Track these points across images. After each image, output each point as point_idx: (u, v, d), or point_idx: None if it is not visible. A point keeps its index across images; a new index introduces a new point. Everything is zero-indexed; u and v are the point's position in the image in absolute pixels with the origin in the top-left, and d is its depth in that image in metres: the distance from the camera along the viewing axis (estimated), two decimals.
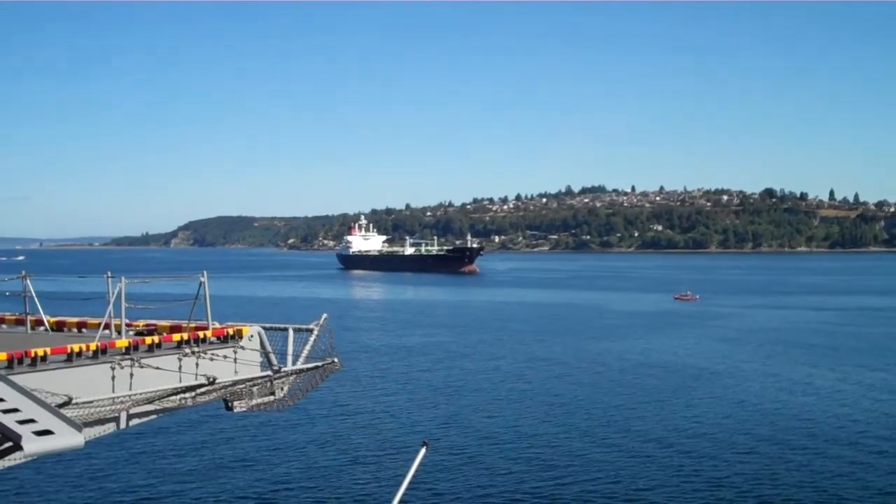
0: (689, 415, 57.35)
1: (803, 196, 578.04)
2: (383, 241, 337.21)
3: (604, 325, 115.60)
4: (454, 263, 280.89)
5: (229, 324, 23.29)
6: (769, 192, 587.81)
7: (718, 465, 44.67)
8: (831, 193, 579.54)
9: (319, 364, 22.51)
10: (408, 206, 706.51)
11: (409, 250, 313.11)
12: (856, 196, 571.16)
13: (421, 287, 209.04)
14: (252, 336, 22.70)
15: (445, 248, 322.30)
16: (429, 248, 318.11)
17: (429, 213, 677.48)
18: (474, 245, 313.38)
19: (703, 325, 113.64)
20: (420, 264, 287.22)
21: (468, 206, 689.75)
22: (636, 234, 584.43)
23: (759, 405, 60.55)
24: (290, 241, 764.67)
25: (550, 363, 79.86)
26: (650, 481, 41.80)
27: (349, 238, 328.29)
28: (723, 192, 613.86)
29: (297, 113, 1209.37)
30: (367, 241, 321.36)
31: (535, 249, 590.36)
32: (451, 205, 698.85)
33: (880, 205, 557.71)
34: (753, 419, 56.08)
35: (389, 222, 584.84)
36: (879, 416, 56.49)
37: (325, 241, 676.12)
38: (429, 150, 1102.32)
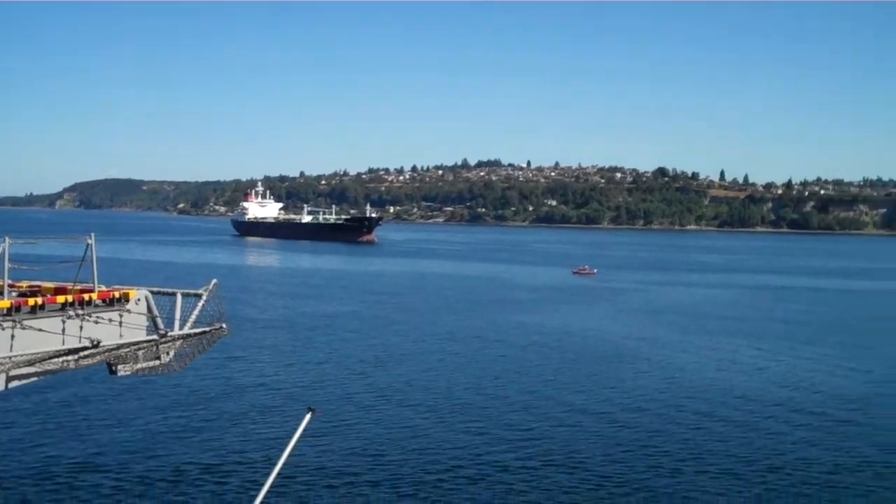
0: (613, 387, 57.52)
1: (695, 176, 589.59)
2: (279, 209, 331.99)
3: (510, 297, 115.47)
4: (352, 233, 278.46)
5: (116, 287, 22.93)
6: (662, 171, 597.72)
7: (650, 436, 44.83)
8: (721, 174, 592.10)
9: (207, 329, 22.19)
10: (302, 173, 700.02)
11: (307, 218, 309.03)
12: (745, 177, 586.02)
13: (319, 256, 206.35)
14: (139, 300, 22.38)
15: (343, 217, 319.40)
16: (326, 216, 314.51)
17: (323, 182, 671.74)
18: (373, 215, 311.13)
19: (609, 300, 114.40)
20: (317, 233, 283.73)
21: (364, 176, 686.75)
22: (531, 209, 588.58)
23: (679, 378, 61.24)
24: (180, 205, 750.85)
25: (459, 335, 79.04)
26: (574, 450, 41.52)
27: (245, 204, 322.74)
28: (616, 169, 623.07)
29: (189, 75, 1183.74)
30: (263, 209, 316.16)
31: (430, 221, 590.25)
32: (346, 174, 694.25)
33: (768, 186, 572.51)
34: (676, 391, 56.72)
35: (283, 190, 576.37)
36: (800, 388, 57.51)
37: (217, 207, 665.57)
38: (323, 118, 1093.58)
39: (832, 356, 72.22)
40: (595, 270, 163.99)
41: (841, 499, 36.36)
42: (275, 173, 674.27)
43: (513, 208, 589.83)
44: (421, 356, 67.60)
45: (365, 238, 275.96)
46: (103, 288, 22.26)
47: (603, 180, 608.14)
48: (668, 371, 63.95)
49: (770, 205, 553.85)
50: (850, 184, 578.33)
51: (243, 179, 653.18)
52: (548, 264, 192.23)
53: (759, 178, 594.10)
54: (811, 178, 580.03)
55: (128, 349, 20.85)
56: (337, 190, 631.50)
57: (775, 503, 35.75)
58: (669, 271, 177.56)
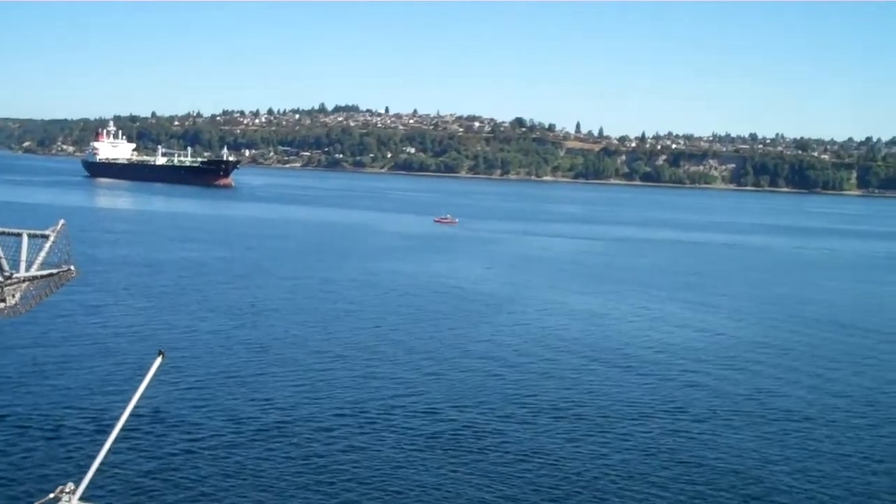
0: (492, 336, 57.74)
1: (551, 127, 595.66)
2: (132, 150, 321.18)
3: (376, 245, 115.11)
4: (208, 176, 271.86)
5: None
6: (519, 122, 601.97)
7: (529, 384, 45.10)
8: (577, 126, 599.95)
9: (54, 272, 21.35)
10: (153, 114, 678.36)
11: (161, 160, 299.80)
12: (600, 130, 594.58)
13: (173, 199, 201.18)
14: None
15: (199, 160, 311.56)
16: (181, 158, 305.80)
17: (176, 123, 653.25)
18: (230, 158, 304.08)
19: (472, 250, 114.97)
20: (172, 175, 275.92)
21: (218, 118, 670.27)
22: (389, 156, 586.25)
23: (556, 326, 61.82)
24: (26, 143, 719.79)
25: (327, 284, 77.99)
26: (459, 400, 41.32)
27: (96, 145, 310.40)
28: (475, 118, 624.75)
29: (31, 16, 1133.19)
30: (115, 149, 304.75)
31: (287, 166, 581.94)
32: (199, 115, 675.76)
33: (623, 140, 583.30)
34: (552, 340, 57.38)
35: (134, 130, 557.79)
36: (671, 334, 58.45)
37: (65, 147, 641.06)
38: (176, 57, 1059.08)
39: (695, 304, 74.32)
40: (457, 220, 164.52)
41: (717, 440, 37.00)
42: (125, 112, 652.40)
43: (371, 155, 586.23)
44: (289, 305, 66.38)
45: (221, 182, 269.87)
46: None
47: (461, 129, 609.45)
48: (543, 319, 64.79)
49: (624, 157, 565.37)
50: (700, 139, 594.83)
51: (91, 118, 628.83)
52: (409, 212, 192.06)
53: (614, 132, 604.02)
54: (663, 132, 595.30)
55: None
56: (190, 132, 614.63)
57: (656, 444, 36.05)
58: (530, 221, 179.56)
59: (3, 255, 20.92)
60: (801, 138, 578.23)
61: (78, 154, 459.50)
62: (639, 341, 58.42)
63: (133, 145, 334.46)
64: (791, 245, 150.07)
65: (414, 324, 60.88)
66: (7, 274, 20.55)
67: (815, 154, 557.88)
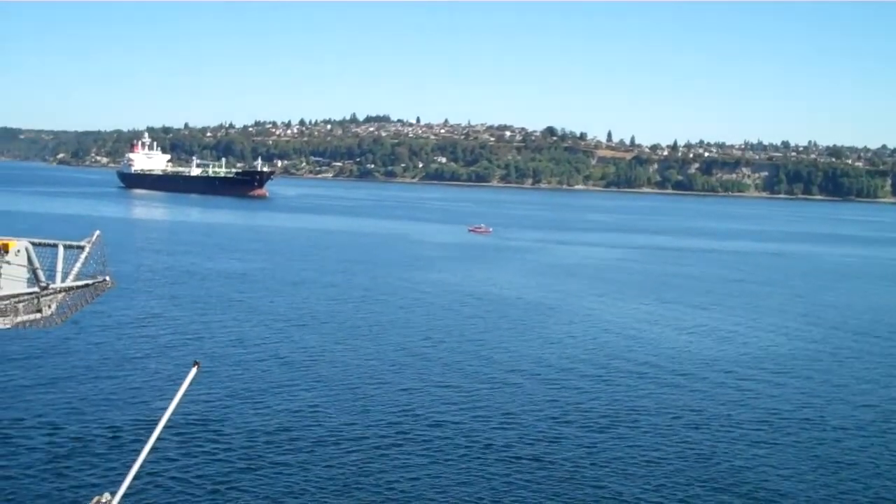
0: (539, 347, 57.66)
1: (583, 136, 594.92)
2: (167, 161, 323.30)
3: (414, 254, 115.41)
4: (243, 187, 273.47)
5: None
6: (550, 131, 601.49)
7: (584, 393, 44.93)
8: (609, 135, 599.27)
9: (90, 282, 21.81)
10: (186, 125, 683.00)
11: (196, 171, 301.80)
12: (632, 139, 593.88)
13: (209, 210, 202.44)
14: (19, 251, 21.27)
15: (234, 170, 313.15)
16: (216, 169, 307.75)
17: (209, 134, 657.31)
18: (264, 169, 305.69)
19: (509, 259, 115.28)
20: (207, 186, 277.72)
21: (250, 129, 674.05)
22: (420, 165, 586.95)
23: (600, 337, 61.85)
24: (60, 155, 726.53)
25: (369, 295, 78.21)
26: (509, 406, 41.15)
27: (131, 156, 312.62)
28: (506, 127, 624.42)
29: (63, 25, 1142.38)
30: (150, 160, 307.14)
31: (319, 176, 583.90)
32: (231, 126, 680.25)
33: (654, 148, 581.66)
34: (599, 349, 57.24)
35: (167, 141, 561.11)
36: (717, 347, 57.90)
37: (98, 158, 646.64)
38: (209, 68, 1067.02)
39: (741, 313, 73.93)
40: (491, 229, 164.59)
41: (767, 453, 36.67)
42: (158, 124, 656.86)
43: (402, 165, 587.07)
44: (333, 315, 66.50)
45: (256, 192, 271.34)
46: None
47: (492, 138, 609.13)
48: (589, 329, 64.68)
49: (656, 166, 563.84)
50: (733, 147, 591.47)
51: (125, 130, 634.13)
52: (443, 222, 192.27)
53: (646, 140, 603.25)
54: (695, 140, 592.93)
55: (7, 301, 20.28)
56: (223, 143, 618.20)
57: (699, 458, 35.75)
58: (565, 230, 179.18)
59: (39, 267, 21.30)
60: (834, 146, 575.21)
61: (112, 165, 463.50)
62: (689, 353, 58.13)
63: (168, 156, 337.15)
64: (832, 253, 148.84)
65: (460, 334, 60.87)
66: (43, 284, 20.95)
67: (849, 161, 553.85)
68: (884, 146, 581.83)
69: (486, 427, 39.24)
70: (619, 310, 75.12)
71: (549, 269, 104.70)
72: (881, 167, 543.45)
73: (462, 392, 45.05)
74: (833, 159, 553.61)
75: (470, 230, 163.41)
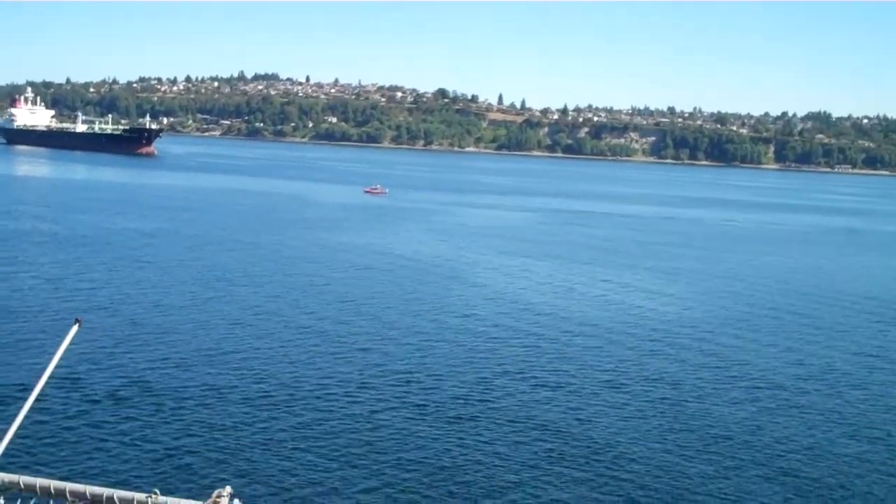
0: (443, 309, 57.57)
1: (474, 98, 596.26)
2: (51, 117, 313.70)
3: (310, 216, 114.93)
4: (131, 144, 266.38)
5: None
6: (442, 93, 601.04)
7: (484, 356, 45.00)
8: (500, 98, 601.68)
9: None
10: (68, 80, 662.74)
11: (82, 128, 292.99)
12: (523, 102, 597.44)
13: (97, 167, 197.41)
14: None
15: (121, 127, 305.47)
16: (103, 126, 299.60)
17: (92, 90, 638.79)
18: (152, 126, 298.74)
19: (412, 220, 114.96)
20: (93, 143, 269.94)
21: (135, 85, 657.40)
22: (310, 125, 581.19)
23: (503, 299, 61.98)
24: None
25: (265, 254, 77.36)
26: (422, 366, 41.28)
27: (13, 111, 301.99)
28: (397, 88, 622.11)
29: None
30: (33, 116, 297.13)
31: (207, 134, 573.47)
32: (115, 82, 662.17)
33: (545, 112, 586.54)
34: (502, 310, 57.45)
35: (49, 96, 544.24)
36: (617, 308, 59.06)
37: None
38: (90, 19, 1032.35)
39: (648, 275, 75.45)
40: (386, 190, 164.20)
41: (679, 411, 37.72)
42: (38, 78, 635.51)
43: (292, 124, 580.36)
44: (239, 276, 65.60)
45: (144, 150, 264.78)
46: None
47: (384, 99, 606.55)
48: (491, 291, 64.97)
49: (546, 130, 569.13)
50: (621, 112, 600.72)
51: (3, 84, 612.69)
52: (337, 182, 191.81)
53: (536, 104, 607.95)
54: (584, 105, 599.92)
55: None
56: (107, 99, 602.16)
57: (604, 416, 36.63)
58: (460, 192, 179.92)
59: None
60: (719, 112, 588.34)
61: None
62: (606, 312, 59.05)
63: (52, 112, 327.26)
64: (721, 218, 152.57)
65: (378, 294, 60.64)
66: None
67: (734, 128, 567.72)
68: (766, 113, 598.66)
69: (412, 388, 39.30)
70: (531, 270, 76.01)
71: (453, 230, 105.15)
72: (764, 134, 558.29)
73: (383, 353, 45.04)
74: (718, 126, 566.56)
75: (365, 191, 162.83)
